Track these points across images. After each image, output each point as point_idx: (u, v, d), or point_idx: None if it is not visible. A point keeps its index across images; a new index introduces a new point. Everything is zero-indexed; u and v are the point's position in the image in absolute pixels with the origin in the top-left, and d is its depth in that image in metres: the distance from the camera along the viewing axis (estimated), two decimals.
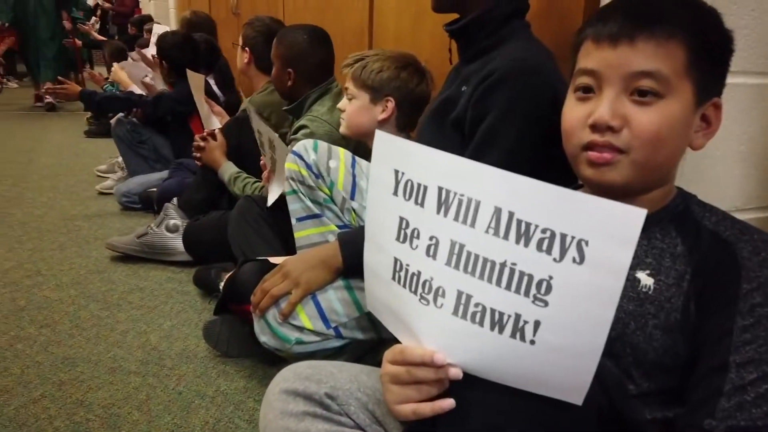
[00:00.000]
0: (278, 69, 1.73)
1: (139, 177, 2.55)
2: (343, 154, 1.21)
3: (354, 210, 1.18)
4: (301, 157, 1.20)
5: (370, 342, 1.11)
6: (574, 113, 0.67)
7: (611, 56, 0.63)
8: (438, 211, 0.55)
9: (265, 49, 2.06)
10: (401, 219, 0.59)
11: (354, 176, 1.19)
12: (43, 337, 1.37)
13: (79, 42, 5.81)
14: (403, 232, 0.59)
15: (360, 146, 1.46)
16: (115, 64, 3.25)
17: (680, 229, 0.66)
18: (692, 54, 0.61)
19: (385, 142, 0.63)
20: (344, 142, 1.53)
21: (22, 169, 3.13)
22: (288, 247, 1.41)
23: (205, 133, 1.91)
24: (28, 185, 2.80)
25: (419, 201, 0.57)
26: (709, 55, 0.62)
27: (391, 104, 1.35)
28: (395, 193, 0.60)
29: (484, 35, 1.01)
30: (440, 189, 0.55)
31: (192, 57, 2.52)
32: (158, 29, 3.99)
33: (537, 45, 1.00)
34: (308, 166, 1.19)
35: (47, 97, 5.01)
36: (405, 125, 1.40)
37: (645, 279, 0.66)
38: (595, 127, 0.63)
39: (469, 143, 0.95)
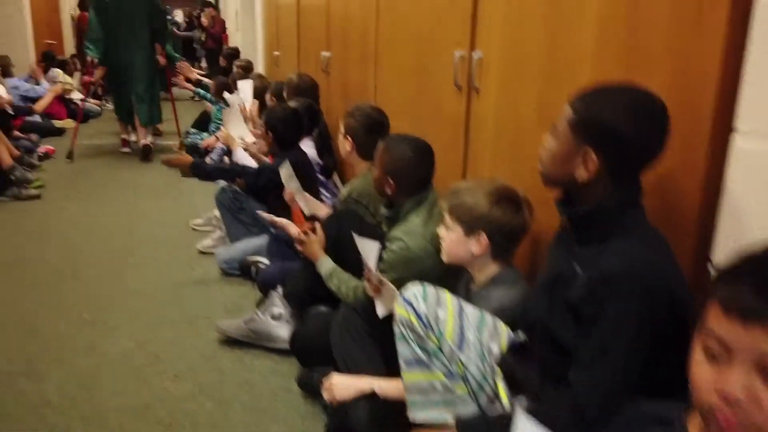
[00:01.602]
0: (380, 174, 1.80)
1: (240, 244, 2.71)
2: (450, 303, 1.26)
3: (461, 362, 1.23)
4: (411, 305, 1.26)
5: None
6: (702, 372, 0.68)
7: (742, 335, 0.63)
8: None
9: (367, 139, 2.16)
10: None
11: (462, 327, 1.24)
12: None
13: (188, 85, 5.95)
14: None
15: None
16: (223, 129, 3.44)
17: None
18: None
19: None
20: (438, 255, 1.59)
21: (127, 214, 3.41)
22: (389, 364, 1.49)
23: (306, 228, 2.02)
24: (135, 239, 3.03)
25: None
26: None
27: (483, 240, 1.40)
28: None
29: (598, 226, 1.03)
30: None
31: (297, 133, 2.67)
32: (243, 86, 4.23)
33: (653, 238, 1.01)
34: (418, 316, 1.25)
35: (146, 141, 5.11)
36: (501, 256, 1.45)
37: None
38: (725, 399, 0.65)
39: (584, 337, 0.98)
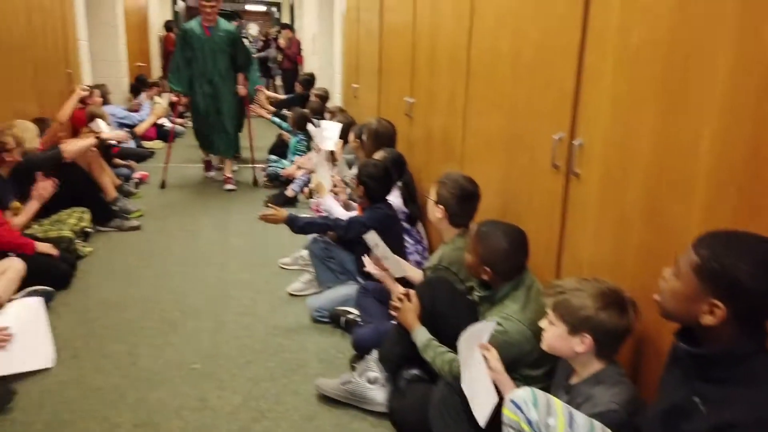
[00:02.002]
0: (475, 261, 1.87)
1: (329, 292, 2.84)
2: (560, 411, 1.31)
3: None
4: (521, 409, 1.32)
5: None
6: None
7: None
8: None
9: (459, 208, 2.24)
10: None
11: None
12: None
13: (266, 114, 6.16)
14: None
15: None
16: (315, 177, 3.56)
17: None
18: None
19: None
20: (536, 339, 1.64)
21: (221, 252, 3.62)
22: None
23: (402, 293, 2.12)
24: (230, 280, 3.22)
25: None
26: None
27: (588, 341, 1.44)
28: None
29: (723, 370, 1.06)
30: None
31: (387, 188, 2.79)
32: (330, 127, 4.37)
33: None
34: (529, 422, 1.31)
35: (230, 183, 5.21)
36: (606, 355, 1.48)
37: None
38: None
39: None
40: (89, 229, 3.72)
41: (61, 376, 2.20)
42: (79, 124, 5.23)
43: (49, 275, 2.85)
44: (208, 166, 5.59)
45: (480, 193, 2.25)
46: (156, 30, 10.91)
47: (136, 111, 6.85)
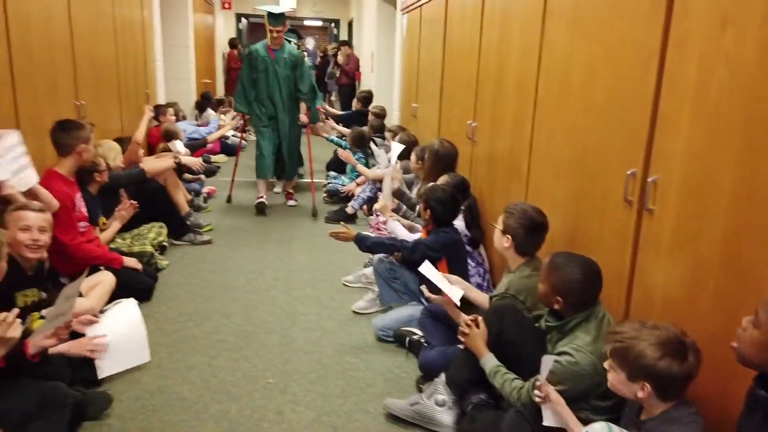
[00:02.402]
0: (548, 291, 1.92)
1: (394, 313, 2.94)
2: None
3: None
4: None
5: None
6: None
7: None
8: None
9: (526, 239, 2.29)
10: None
11: None
12: None
13: (325, 134, 6.31)
14: None
15: None
16: (381, 199, 3.65)
17: None
18: None
19: None
20: (606, 371, 1.67)
21: (286, 269, 3.77)
22: None
23: (470, 320, 2.18)
24: (297, 296, 3.36)
25: None
26: None
27: (647, 389, 1.45)
28: None
29: None
30: None
31: (453, 213, 2.88)
32: (392, 147, 4.47)
33: None
34: None
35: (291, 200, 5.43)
36: (671, 397, 1.48)
37: None
38: None
39: None
40: (165, 243, 3.96)
41: (150, 385, 2.38)
42: (154, 141, 5.56)
43: (134, 288, 3.06)
44: (289, 196, 5.51)
45: (548, 224, 2.29)
46: (221, 47, 11.38)
47: (204, 126, 7.17)
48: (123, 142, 4.28)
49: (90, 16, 4.06)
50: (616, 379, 1.53)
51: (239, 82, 5.19)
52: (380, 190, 4.82)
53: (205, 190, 5.55)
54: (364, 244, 2.92)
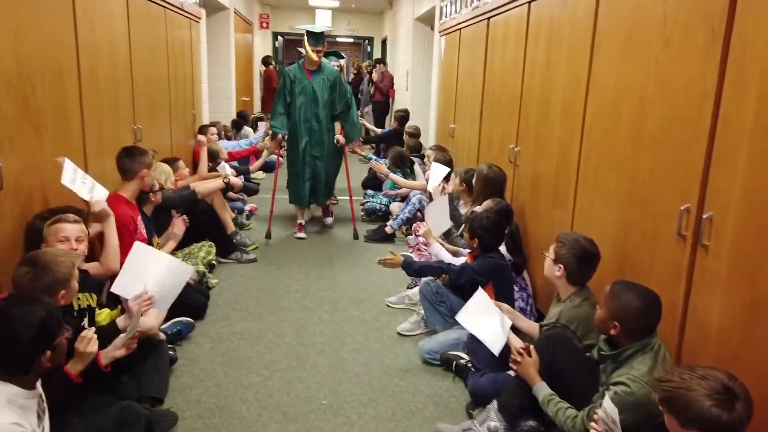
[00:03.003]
0: (606, 317, 1.96)
1: (440, 336, 3.00)
2: None
3: None
4: None
5: None
6: None
7: None
8: None
9: (578, 269, 2.33)
10: None
11: None
12: None
13: (360, 153, 6.32)
14: None
15: None
16: (426, 222, 3.69)
17: None
18: None
19: None
20: None
21: (331, 289, 3.86)
22: None
23: (522, 348, 2.23)
24: (342, 317, 3.45)
25: None
26: None
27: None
28: None
29: None
30: None
31: (499, 241, 2.93)
32: (435, 168, 4.54)
33: None
34: None
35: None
36: None
37: None
38: None
39: None
40: (214, 262, 4.09)
41: (210, 404, 2.48)
42: (197, 160, 5.76)
43: (189, 307, 3.19)
44: (300, 228, 5.17)
45: (600, 254, 2.33)
46: (259, 65, 11.66)
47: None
48: (171, 162, 4.45)
49: (147, 41, 4.26)
50: (669, 423, 1.56)
51: (275, 105, 5.01)
52: (420, 210, 4.90)
53: (247, 208, 5.69)
54: (412, 268, 3.00)
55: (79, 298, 2.26)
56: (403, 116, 7.51)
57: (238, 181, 4.70)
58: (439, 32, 6.54)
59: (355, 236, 5.13)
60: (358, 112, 10.93)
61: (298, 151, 4.98)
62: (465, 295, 3.02)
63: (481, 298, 2.59)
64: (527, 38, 3.64)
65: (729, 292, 1.80)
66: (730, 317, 1.80)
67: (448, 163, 4.87)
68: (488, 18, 4.56)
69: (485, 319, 2.54)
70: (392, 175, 5.29)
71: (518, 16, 3.83)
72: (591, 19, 2.73)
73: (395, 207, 5.46)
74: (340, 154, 5.20)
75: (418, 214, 4.93)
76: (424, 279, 3.24)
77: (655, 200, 2.18)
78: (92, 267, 2.57)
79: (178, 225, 3.65)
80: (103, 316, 2.42)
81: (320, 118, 4.95)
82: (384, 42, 12.61)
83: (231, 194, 5.69)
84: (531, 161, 3.55)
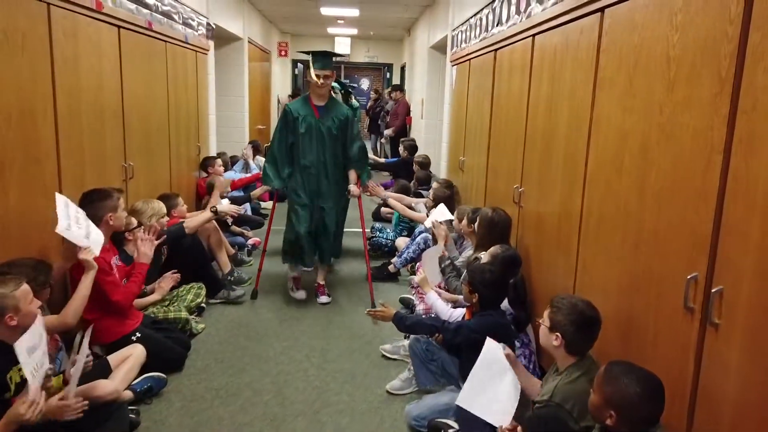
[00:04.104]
0: (600, 402, 1.69)
1: (429, 399, 2.73)
2: None
3: None
4: None
5: None
6: None
7: None
8: None
9: (577, 336, 2.06)
10: None
11: None
12: None
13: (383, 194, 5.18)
14: None
15: None
16: (421, 271, 3.45)
17: None
18: None
19: None
20: None
21: (323, 335, 3.64)
22: None
23: (509, 428, 1.97)
24: (330, 369, 3.21)
25: None
26: None
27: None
28: None
29: None
30: None
31: (501, 297, 2.69)
32: (439, 211, 4.30)
33: None
34: None
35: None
36: None
37: None
38: None
39: None
40: (204, 305, 3.92)
41: None
42: (203, 194, 5.64)
43: (166, 359, 3.01)
44: (296, 283, 4.32)
45: (601, 319, 2.06)
46: (277, 90, 11.68)
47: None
48: (169, 198, 4.32)
49: (143, 75, 4.17)
50: None
51: (270, 150, 4.14)
52: (425, 248, 4.65)
53: (249, 242, 5.50)
54: (403, 324, 2.77)
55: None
56: (413, 145, 7.34)
57: (231, 208, 4.19)
58: (451, 61, 6.36)
59: (377, 276, 4.69)
60: (383, 140, 10.88)
61: (300, 203, 4.04)
62: (459, 353, 2.77)
63: (491, 355, 2.29)
64: (531, 72, 3.42)
65: (744, 376, 1.53)
66: (746, 402, 1.52)
67: (448, 198, 4.64)
68: (495, 50, 4.36)
69: (491, 386, 2.25)
70: (391, 200, 4.97)
71: (522, 48, 3.62)
72: (593, 54, 2.51)
73: (401, 242, 5.22)
74: (349, 203, 4.36)
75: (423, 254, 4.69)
76: (413, 337, 2.99)
77: (660, 264, 1.91)
78: (50, 320, 2.40)
79: (167, 281, 3.51)
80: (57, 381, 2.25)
81: (328, 163, 4.03)
82: (403, 69, 12.52)
83: (234, 228, 5.54)
84: (534, 204, 3.30)
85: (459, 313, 2.94)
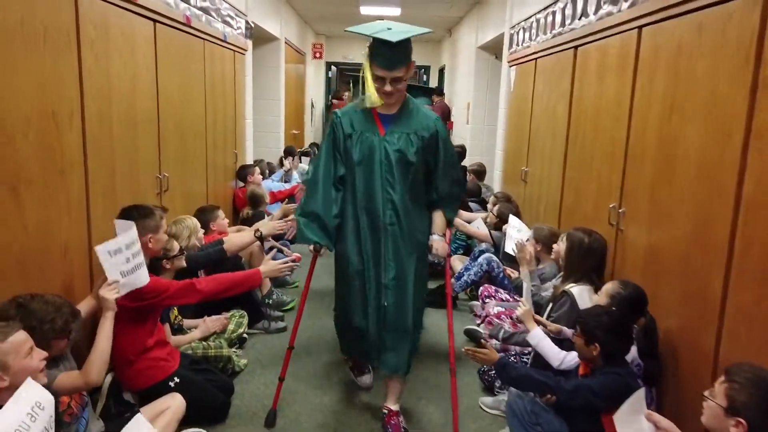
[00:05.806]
0: None
1: None
2: None
3: None
4: None
5: None
6: None
7: None
8: None
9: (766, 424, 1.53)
10: None
11: None
12: None
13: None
14: None
15: None
16: (523, 303, 2.81)
17: None
18: None
19: None
20: None
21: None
22: None
23: None
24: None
25: None
26: None
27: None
28: None
29: None
30: None
31: (627, 345, 2.16)
32: (514, 224, 3.78)
33: None
34: None
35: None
36: None
37: None
38: None
39: None
40: (246, 335, 3.45)
41: None
42: (241, 205, 5.19)
43: (207, 407, 2.55)
44: (359, 368, 3.10)
45: None
46: (311, 93, 11.26)
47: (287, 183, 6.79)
48: (206, 211, 3.88)
49: (180, 77, 3.75)
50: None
51: (309, 180, 2.60)
52: (489, 272, 4.12)
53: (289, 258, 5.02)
54: (508, 374, 2.25)
55: None
56: (459, 152, 6.80)
57: (276, 225, 3.31)
58: (508, 62, 5.82)
59: (433, 301, 3.87)
60: None
61: (354, 268, 2.55)
62: (572, 419, 2.23)
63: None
64: (636, 71, 2.88)
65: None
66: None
67: (516, 215, 4.12)
68: (575, 47, 3.82)
69: None
70: (462, 223, 4.48)
71: (621, 44, 3.07)
72: (751, 46, 1.96)
73: (457, 262, 4.66)
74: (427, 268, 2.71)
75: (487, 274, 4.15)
76: (516, 393, 2.43)
77: None
78: (69, 378, 1.94)
79: (215, 324, 3.12)
80: None
81: (395, 204, 2.49)
82: (441, 71, 12.00)
83: (273, 243, 5.07)
84: (645, 228, 2.73)
85: (572, 357, 2.40)
